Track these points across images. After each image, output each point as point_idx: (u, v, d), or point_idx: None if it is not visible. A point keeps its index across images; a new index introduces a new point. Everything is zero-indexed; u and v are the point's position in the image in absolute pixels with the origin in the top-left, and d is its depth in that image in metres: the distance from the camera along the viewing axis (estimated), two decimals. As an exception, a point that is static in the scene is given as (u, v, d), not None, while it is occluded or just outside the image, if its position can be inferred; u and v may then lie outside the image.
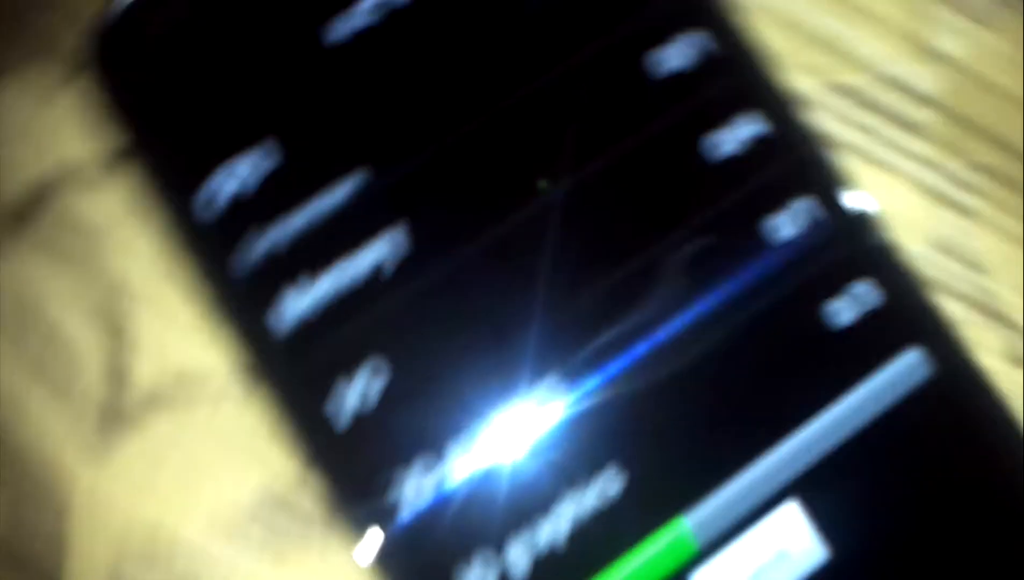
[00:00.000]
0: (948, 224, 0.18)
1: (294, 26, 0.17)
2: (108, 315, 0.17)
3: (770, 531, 0.16)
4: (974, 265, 0.17)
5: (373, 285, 0.16)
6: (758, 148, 0.17)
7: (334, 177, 0.16)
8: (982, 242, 0.18)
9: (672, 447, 0.16)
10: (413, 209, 0.16)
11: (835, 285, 0.16)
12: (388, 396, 0.16)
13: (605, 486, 0.16)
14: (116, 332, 0.17)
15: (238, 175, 0.16)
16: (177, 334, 0.17)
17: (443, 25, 0.17)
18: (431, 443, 0.16)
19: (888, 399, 0.16)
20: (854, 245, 0.17)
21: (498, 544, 0.15)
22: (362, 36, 0.17)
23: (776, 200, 0.17)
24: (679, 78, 0.17)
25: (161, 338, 0.17)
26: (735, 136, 0.17)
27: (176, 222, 0.16)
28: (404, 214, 0.16)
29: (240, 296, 0.16)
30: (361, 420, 0.16)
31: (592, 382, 0.16)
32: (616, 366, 0.16)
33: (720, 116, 0.17)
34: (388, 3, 0.17)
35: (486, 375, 0.16)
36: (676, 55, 0.17)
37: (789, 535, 0.16)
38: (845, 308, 0.16)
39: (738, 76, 0.17)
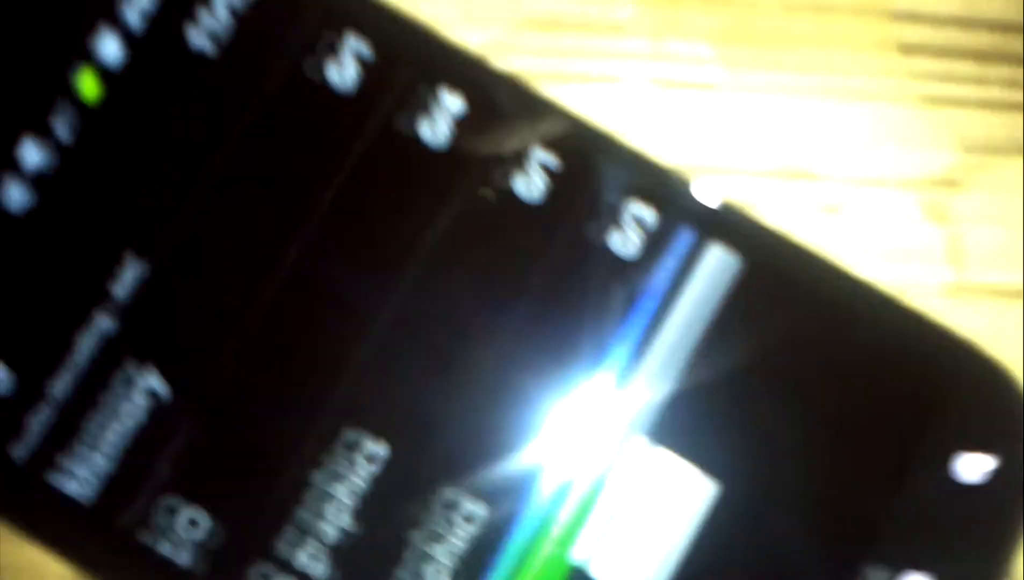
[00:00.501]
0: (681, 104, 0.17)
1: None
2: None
3: (649, 483, 0.15)
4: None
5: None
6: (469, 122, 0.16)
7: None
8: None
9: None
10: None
11: (612, 216, 0.15)
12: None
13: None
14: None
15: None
16: None
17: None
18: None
19: (711, 306, 0.15)
20: (612, 173, 0.16)
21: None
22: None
23: (519, 156, 0.16)
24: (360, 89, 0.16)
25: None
26: (440, 117, 0.16)
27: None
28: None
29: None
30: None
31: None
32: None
33: (417, 103, 0.16)
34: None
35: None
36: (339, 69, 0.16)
37: (671, 482, 0.15)
38: (630, 234, 0.15)
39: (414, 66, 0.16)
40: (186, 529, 0.15)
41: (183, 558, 0.15)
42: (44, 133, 0.16)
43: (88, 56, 0.16)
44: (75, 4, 0.16)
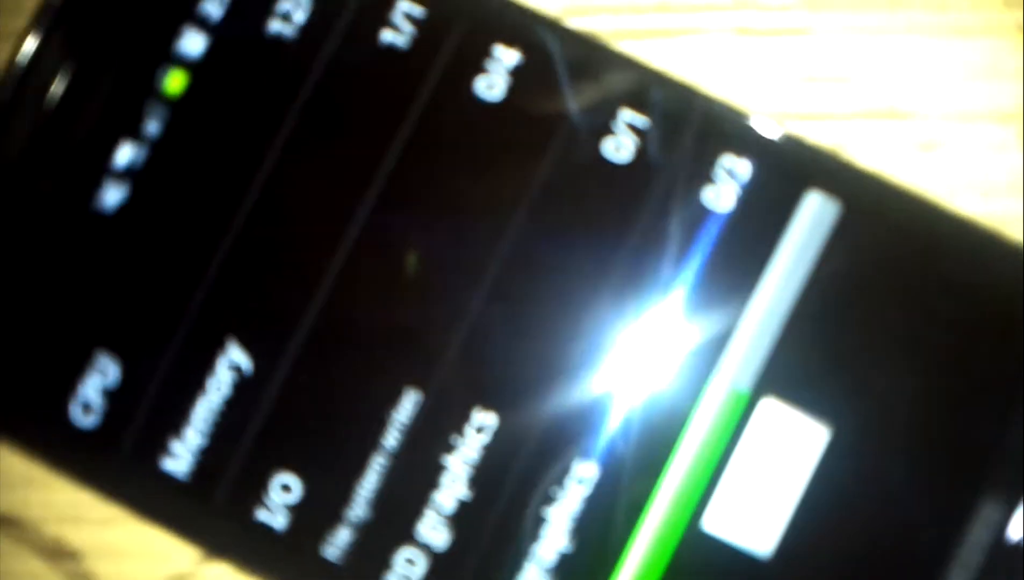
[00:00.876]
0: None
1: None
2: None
3: (763, 436, 0.15)
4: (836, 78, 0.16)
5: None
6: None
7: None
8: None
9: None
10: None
11: (705, 171, 0.15)
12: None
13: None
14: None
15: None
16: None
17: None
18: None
19: (812, 254, 0.15)
20: (702, 128, 0.16)
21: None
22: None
23: (606, 118, 0.16)
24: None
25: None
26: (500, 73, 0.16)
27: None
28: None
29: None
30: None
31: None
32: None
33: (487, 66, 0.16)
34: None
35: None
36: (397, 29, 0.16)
37: (784, 432, 0.15)
38: (724, 189, 0.15)
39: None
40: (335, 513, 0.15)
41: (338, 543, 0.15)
42: (135, 134, 0.16)
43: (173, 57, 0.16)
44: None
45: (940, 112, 0.16)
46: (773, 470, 0.15)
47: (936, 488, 0.15)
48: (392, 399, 0.15)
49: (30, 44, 0.16)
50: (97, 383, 0.16)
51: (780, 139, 0.15)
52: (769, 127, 0.15)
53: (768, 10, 0.16)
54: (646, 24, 0.16)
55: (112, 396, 0.16)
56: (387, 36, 0.16)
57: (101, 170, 0.16)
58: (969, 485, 0.15)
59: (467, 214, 0.16)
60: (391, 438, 0.15)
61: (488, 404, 0.15)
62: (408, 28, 0.16)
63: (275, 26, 0.16)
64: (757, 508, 0.15)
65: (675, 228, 0.15)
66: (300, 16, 0.16)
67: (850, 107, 0.16)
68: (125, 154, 0.16)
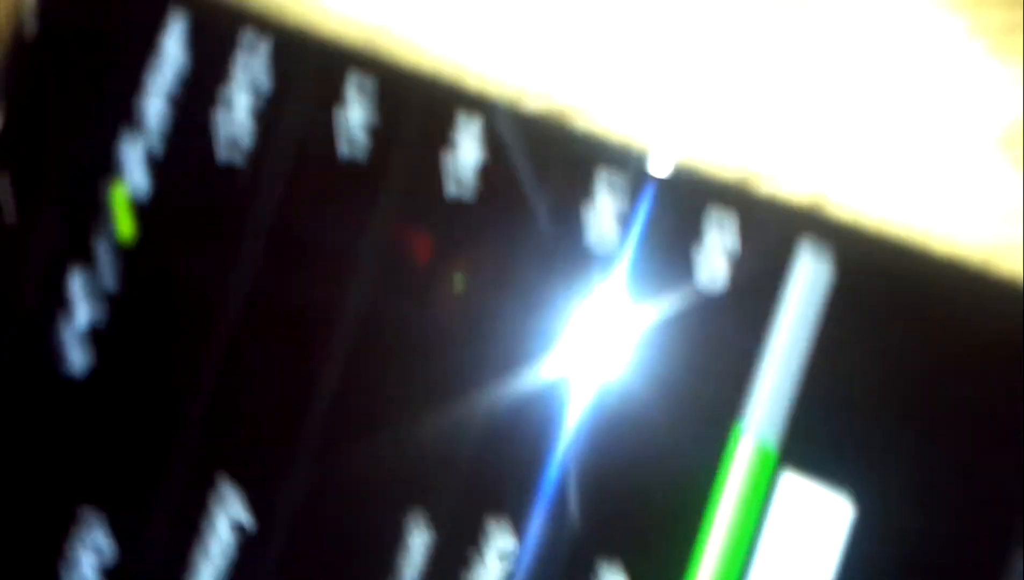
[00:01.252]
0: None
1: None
2: None
3: (789, 514, 0.15)
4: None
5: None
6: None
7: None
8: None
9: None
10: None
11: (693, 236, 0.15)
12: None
13: None
14: None
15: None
16: None
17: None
18: None
19: (812, 316, 0.15)
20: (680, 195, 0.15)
21: None
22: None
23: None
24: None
25: None
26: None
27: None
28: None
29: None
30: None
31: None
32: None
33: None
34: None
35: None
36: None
37: (808, 508, 0.15)
38: (712, 251, 0.15)
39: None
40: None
41: None
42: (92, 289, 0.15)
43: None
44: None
45: (924, 143, 0.15)
46: (803, 550, 0.14)
47: (969, 552, 0.14)
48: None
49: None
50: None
51: (766, 200, 0.15)
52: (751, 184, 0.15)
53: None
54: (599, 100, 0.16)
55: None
56: (343, 148, 0.15)
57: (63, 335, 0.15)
58: (1002, 542, 0.14)
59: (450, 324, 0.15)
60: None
61: (500, 514, 0.15)
62: (362, 138, 0.15)
63: (223, 154, 0.15)
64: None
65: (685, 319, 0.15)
66: (245, 142, 0.15)
67: (828, 152, 0.15)
68: (84, 314, 0.15)
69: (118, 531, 0.15)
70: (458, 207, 0.15)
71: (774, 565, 0.14)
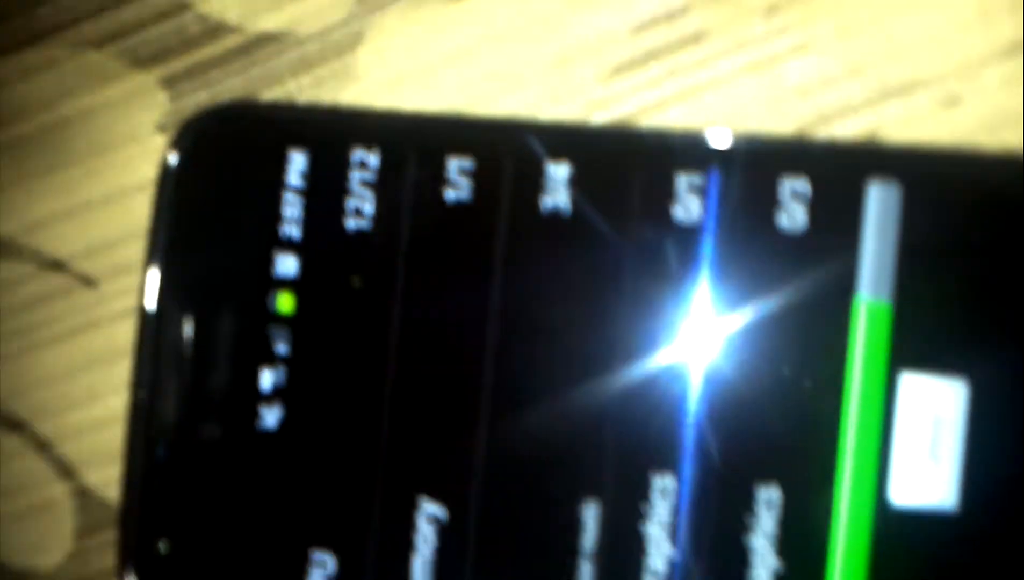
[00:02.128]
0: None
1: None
2: None
3: (910, 406, 0.17)
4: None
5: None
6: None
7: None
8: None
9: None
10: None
11: (770, 201, 0.17)
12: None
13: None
14: None
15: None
16: None
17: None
18: None
19: (892, 238, 0.16)
20: (749, 160, 0.17)
21: None
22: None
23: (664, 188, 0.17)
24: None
25: None
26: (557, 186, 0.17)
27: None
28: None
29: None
30: None
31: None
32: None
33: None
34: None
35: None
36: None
37: (927, 398, 0.16)
38: (793, 210, 0.17)
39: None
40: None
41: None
42: (269, 359, 0.18)
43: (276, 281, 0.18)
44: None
45: (948, 69, 0.17)
46: (930, 433, 0.16)
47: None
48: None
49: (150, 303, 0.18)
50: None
51: (824, 149, 0.17)
52: (809, 142, 0.17)
53: (765, 41, 0.18)
54: (663, 94, 0.18)
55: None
56: (450, 194, 0.17)
57: (254, 398, 0.18)
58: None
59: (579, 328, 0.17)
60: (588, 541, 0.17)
61: (665, 469, 0.17)
62: (464, 181, 0.17)
63: (351, 223, 0.18)
64: (929, 470, 0.16)
65: (771, 264, 0.17)
66: (368, 207, 0.18)
67: (867, 94, 0.17)
68: (268, 378, 0.18)
69: (344, 566, 0.18)
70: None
71: (906, 459, 0.16)
